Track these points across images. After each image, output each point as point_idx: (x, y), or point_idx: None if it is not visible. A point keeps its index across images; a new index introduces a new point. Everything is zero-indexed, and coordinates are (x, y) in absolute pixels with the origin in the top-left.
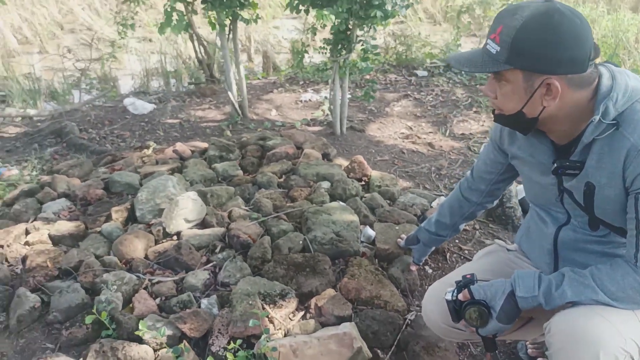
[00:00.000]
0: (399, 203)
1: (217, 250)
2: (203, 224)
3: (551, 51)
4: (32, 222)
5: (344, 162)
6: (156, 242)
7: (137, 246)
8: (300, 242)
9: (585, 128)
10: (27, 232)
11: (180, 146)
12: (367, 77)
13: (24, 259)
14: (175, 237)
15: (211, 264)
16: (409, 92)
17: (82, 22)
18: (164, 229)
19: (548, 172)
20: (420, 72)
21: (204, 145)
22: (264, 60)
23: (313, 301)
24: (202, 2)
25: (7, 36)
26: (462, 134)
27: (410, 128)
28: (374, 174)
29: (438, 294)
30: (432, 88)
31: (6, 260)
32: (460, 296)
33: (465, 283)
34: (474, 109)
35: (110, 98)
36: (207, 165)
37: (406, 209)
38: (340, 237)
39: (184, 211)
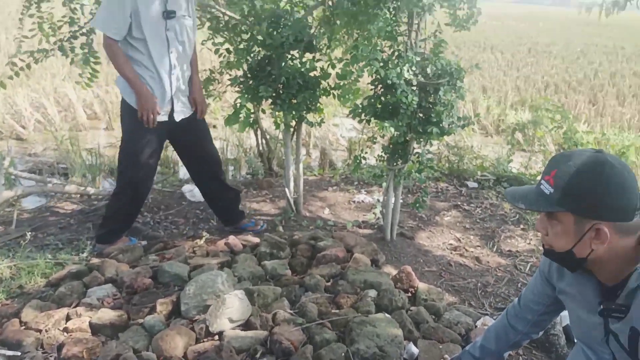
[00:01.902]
0: (444, 320)
1: (258, 355)
2: (247, 325)
3: (601, 200)
4: (74, 306)
5: (392, 271)
6: (197, 341)
7: (178, 344)
8: (343, 354)
9: (631, 273)
10: (67, 318)
11: (232, 239)
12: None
13: (60, 347)
14: (217, 337)
15: None
16: (459, 203)
17: None
18: (207, 326)
19: (595, 312)
20: (471, 184)
21: (256, 240)
22: (321, 156)
23: None
24: (270, 104)
25: (77, 110)
26: (509, 250)
27: (459, 240)
28: (421, 286)
29: None
30: (481, 200)
31: (42, 346)
32: None
33: None
34: (521, 226)
35: (169, 182)
36: (257, 262)
37: (451, 327)
38: (384, 352)
39: (230, 310)
